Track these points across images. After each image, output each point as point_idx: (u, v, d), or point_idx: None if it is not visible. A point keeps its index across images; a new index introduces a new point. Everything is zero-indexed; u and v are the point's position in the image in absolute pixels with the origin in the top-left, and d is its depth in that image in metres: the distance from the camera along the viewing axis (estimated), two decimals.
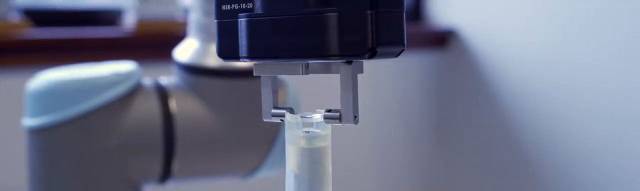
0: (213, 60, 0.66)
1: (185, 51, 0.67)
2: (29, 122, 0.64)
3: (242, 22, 0.41)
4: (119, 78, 0.65)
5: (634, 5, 1.38)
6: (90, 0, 1.41)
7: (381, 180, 1.69)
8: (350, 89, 0.39)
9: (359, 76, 1.59)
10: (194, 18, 0.67)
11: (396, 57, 0.39)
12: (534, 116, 1.57)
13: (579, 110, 1.49)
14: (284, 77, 0.70)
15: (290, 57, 0.39)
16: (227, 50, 0.42)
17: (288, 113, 0.41)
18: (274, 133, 0.68)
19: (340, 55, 0.37)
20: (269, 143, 0.68)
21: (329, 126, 0.42)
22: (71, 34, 1.24)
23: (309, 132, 0.41)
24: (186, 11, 1.44)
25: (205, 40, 0.66)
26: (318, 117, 0.41)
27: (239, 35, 0.41)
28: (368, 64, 1.62)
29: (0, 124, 1.22)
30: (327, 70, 0.41)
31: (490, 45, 1.64)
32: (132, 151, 0.64)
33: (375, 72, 1.63)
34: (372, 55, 0.37)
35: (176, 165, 0.66)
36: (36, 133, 0.64)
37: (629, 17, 1.39)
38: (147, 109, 0.65)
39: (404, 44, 0.39)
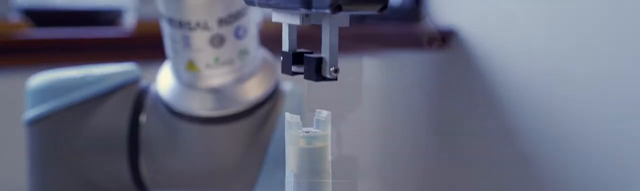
0: (187, 103, 0.61)
1: (165, 81, 0.63)
2: (26, 116, 0.65)
3: None
4: (116, 76, 0.65)
5: (635, 5, 1.38)
6: (90, 0, 1.41)
7: (381, 179, 1.69)
8: (328, 40, 0.40)
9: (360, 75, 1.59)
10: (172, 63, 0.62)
11: (379, 12, 0.40)
12: (535, 116, 1.57)
13: (581, 109, 1.49)
14: (289, 86, 0.67)
15: (280, 5, 0.40)
16: None
17: (288, 113, 0.41)
18: (254, 172, 0.64)
19: (306, 7, 0.38)
20: (252, 178, 0.64)
21: (329, 126, 0.42)
22: (71, 34, 1.24)
23: (308, 131, 0.41)
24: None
25: (178, 83, 0.62)
26: (324, 114, 0.41)
27: None
28: (366, 63, 1.62)
29: (0, 124, 1.23)
30: (319, 20, 0.41)
31: (490, 45, 1.64)
32: (95, 152, 0.63)
33: (375, 72, 1.63)
34: (337, 9, 0.38)
35: (146, 176, 0.64)
36: (30, 124, 0.65)
37: (629, 17, 1.39)
38: (118, 114, 0.64)
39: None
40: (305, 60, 0.41)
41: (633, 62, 1.39)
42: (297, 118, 0.40)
